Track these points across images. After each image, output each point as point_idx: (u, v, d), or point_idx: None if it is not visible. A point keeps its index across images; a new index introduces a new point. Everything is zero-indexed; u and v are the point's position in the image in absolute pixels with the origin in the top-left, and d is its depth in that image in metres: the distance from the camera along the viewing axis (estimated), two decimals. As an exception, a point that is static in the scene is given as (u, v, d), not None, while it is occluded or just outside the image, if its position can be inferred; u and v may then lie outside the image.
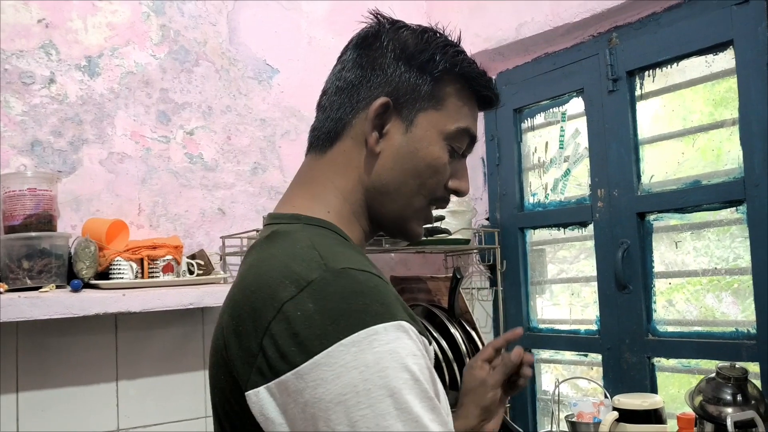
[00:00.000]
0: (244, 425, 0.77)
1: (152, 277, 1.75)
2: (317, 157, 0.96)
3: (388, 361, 0.70)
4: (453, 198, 1.01)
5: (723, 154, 1.81)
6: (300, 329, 0.72)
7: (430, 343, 0.83)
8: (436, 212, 1.97)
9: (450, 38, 0.96)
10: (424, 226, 1.92)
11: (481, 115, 2.50)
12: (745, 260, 1.74)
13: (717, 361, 1.69)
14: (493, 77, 2.44)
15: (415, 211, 0.95)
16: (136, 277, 1.72)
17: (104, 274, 1.72)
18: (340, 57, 0.99)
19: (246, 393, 0.75)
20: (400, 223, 0.96)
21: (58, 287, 1.63)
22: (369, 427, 0.68)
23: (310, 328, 0.71)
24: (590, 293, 2.15)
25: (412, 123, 0.92)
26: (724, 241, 1.82)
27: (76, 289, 1.60)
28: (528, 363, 1.18)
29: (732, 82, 1.76)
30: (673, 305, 1.94)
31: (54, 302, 1.55)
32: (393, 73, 0.92)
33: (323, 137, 0.95)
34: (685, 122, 1.91)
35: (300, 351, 0.71)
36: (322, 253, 0.79)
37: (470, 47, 2.30)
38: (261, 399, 0.74)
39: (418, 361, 0.73)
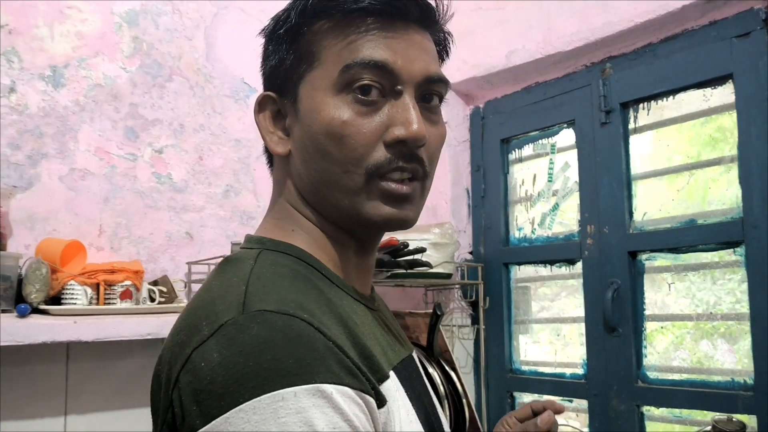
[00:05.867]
0: None
1: (108, 303, 1.62)
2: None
3: None
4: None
5: (720, 193, 1.72)
6: (202, 385, 0.60)
7: (382, 405, 0.66)
8: (417, 244, 1.87)
9: None
10: (405, 258, 1.78)
11: (466, 144, 2.43)
12: (743, 305, 1.64)
13: (710, 413, 1.60)
14: (481, 106, 2.36)
15: (354, 192, 0.75)
16: (91, 303, 1.59)
17: (56, 299, 1.59)
18: None
19: None
20: (354, 215, 0.76)
21: (3, 311, 1.50)
22: None
23: (212, 384, 0.59)
24: (576, 334, 2.04)
25: (296, 100, 0.77)
26: (721, 285, 1.72)
27: (22, 315, 1.48)
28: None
29: (731, 118, 1.69)
30: (665, 351, 1.83)
31: (-3, 328, 1.42)
32: (265, 62, 0.82)
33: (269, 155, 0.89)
34: (681, 158, 1.82)
35: (200, 412, 0.59)
36: (251, 288, 0.67)
37: (457, 74, 2.20)
38: None
39: None
